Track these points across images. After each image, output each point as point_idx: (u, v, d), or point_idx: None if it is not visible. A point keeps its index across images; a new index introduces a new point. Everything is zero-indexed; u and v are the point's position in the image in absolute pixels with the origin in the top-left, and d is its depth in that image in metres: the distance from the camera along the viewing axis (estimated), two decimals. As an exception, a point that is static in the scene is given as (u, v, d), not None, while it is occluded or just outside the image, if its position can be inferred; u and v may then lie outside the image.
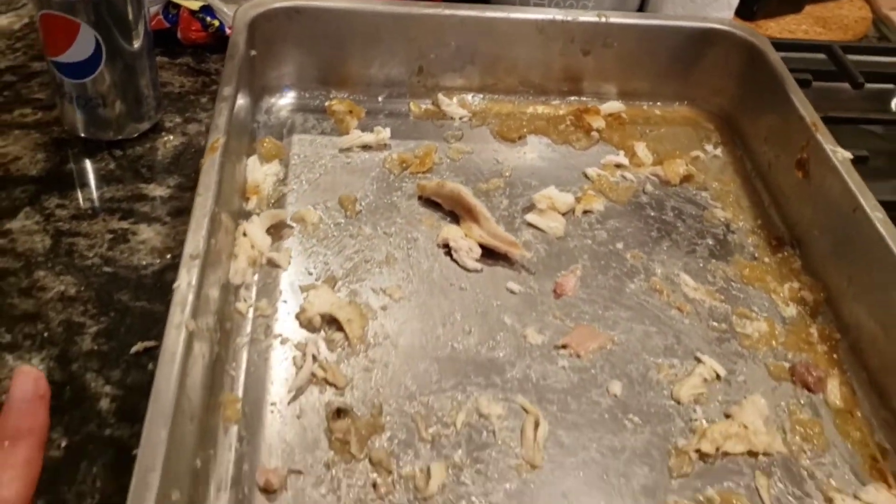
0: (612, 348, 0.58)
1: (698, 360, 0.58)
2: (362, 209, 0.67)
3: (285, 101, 0.76)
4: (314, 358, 0.55)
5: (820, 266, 0.64)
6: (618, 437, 0.53)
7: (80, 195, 0.73)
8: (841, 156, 0.63)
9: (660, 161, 0.74)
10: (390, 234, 0.65)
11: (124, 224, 0.71)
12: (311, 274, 0.61)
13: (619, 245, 0.67)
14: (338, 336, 0.57)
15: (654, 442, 0.53)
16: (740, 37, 0.76)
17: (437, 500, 0.48)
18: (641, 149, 0.75)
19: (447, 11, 0.75)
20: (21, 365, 0.57)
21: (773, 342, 0.60)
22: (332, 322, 0.58)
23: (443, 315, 0.59)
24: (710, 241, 0.68)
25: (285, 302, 0.59)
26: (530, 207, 0.69)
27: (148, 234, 0.70)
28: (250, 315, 0.57)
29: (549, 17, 0.76)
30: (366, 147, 0.72)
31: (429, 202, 0.68)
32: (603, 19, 0.76)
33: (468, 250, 0.63)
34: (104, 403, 0.57)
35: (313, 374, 0.54)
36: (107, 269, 0.67)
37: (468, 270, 0.63)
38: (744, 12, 1.06)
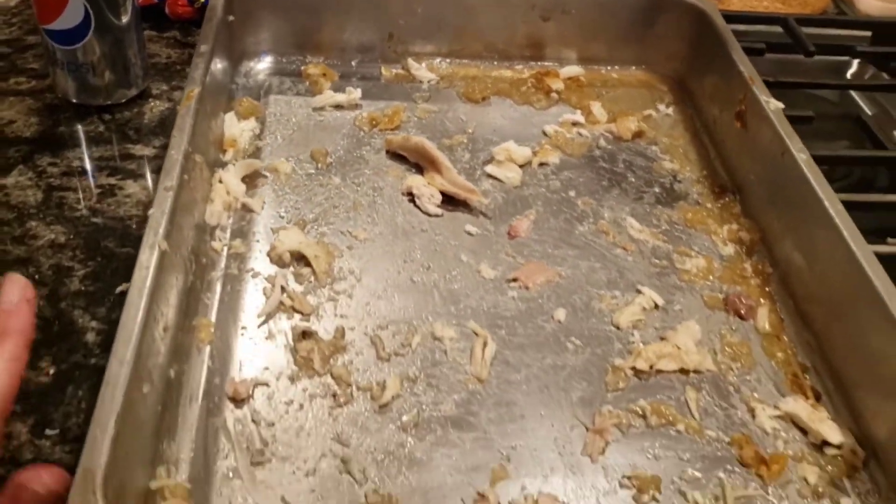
0: (559, 281, 0.63)
1: (639, 292, 0.63)
2: (333, 161, 0.72)
3: (263, 65, 0.81)
4: (283, 289, 0.59)
5: (757, 209, 0.69)
6: (559, 357, 0.58)
7: (70, 154, 0.78)
8: (773, 106, 0.68)
9: (614, 119, 0.79)
10: (358, 183, 0.70)
11: (112, 180, 0.76)
12: (282, 217, 0.66)
13: (572, 193, 0.72)
14: (305, 271, 0.62)
15: (593, 361, 0.58)
16: (689, 3, 0.81)
17: (392, 407, 0.53)
18: (597, 108, 0.80)
19: (414, -19, 0.80)
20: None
21: (710, 276, 0.65)
22: (300, 259, 0.62)
23: (404, 254, 0.64)
24: (658, 190, 0.73)
25: (258, 241, 0.64)
26: (490, 160, 0.74)
27: (134, 188, 0.75)
28: (224, 253, 0.62)
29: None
30: (338, 106, 0.77)
31: (395, 156, 0.73)
32: (561, -13, 0.81)
33: (430, 197, 0.68)
34: (90, 336, 0.62)
35: (281, 303, 0.59)
36: (94, 219, 0.72)
37: (429, 215, 0.68)
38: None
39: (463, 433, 0.52)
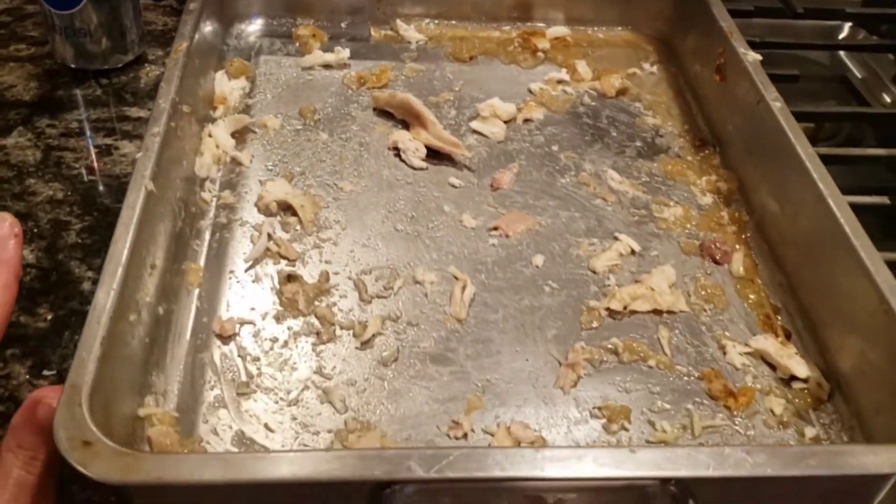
0: (539, 230, 0.65)
1: (616, 239, 0.64)
2: (320, 118, 0.74)
3: (253, 27, 0.83)
4: (269, 236, 0.61)
5: (735, 160, 0.71)
6: (536, 298, 0.60)
7: (68, 117, 0.80)
8: (751, 58, 0.69)
9: (598, 77, 0.80)
10: (345, 139, 0.72)
11: (108, 140, 0.78)
12: (270, 171, 0.68)
13: (555, 147, 0.73)
14: (292, 220, 0.64)
15: (569, 303, 0.59)
16: (674, -38, 0.83)
17: (373, 344, 0.55)
18: (582, 66, 0.81)
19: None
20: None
21: (688, 224, 0.66)
22: (287, 209, 0.64)
23: (389, 204, 0.66)
24: (639, 144, 0.74)
25: (246, 193, 0.66)
26: (475, 116, 0.75)
27: (129, 148, 0.77)
28: (214, 203, 0.64)
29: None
30: (327, 66, 0.79)
31: (382, 113, 0.75)
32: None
33: (415, 150, 0.70)
34: (86, 286, 0.64)
35: (268, 249, 0.61)
36: (91, 177, 0.74)
37: (414, 168, 0.70)
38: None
39: (441, 367, 0.54)
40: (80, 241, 0.68)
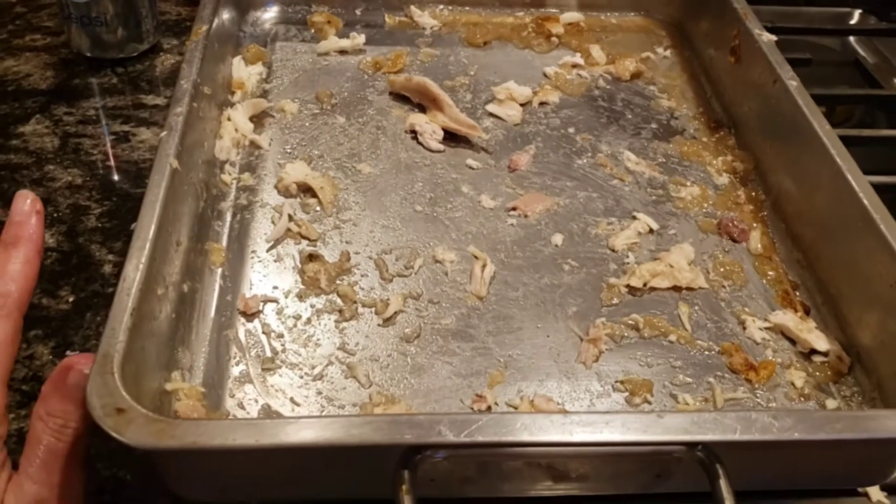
0: (557, 210, 0.65)
1: (634, 218, 0.65)
2: (337, 102, 0.74)
3: (269, 14, 0.83)
4: (290, 216, 0.62)
5: (751, 141, 0.71)
6: (556, 276, 0.60)
7: (85, 104, 0.81)
8: (766, 38, 0.69)
9: (613, 60, 0.81)
10: (362, 122, 0.72)
11: (125, 127, 0.78)
12: (288, 154, 0.68)
13: (571, 130, 0.74)
14: (312, 202, 0.64)
15: (589, 280, 0.60)
16: (683, -54, 0.83)
17: (396, 321, 0.56)
18: (596, 50, 0.81)
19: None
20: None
21: (705, 204, 0.67)
22: (306, 190, 0.65)
23: (407, 186, 0.66)
24: (655, 126, 0.75)
25: (266, 175, 0.66)
26: (491, 99, 0.76)
27: (146, 135, 0.77)
28: (234, 186, 0.65)
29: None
30: (342, 52, 0.80)
31: (398, 96, 0.76)
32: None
33: (432, 133, 0.70)
34: (107, 268, 0.65)
35: (289, 229, 0.61)
36: (109, 163, 0.75)
37: (432, 151, 0.70)
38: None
39: (463, 343, 0.54)
40: (99, 224, 0.68)
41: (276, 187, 0.65)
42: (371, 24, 0.84)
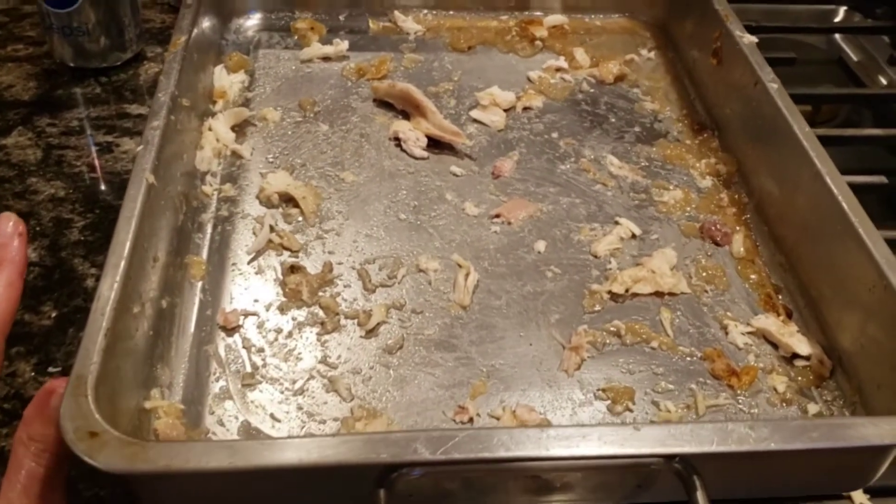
0: (540, 216, 0.65)
1: (616, 223, 0.65)
2: (320, 110, 0.74)
3: (252, 21, 0.83)
4: (272, 227, 0.62)
5: (734, 143, 0.71)
6: (539, 284, 0.60)
7: (68, 115, 0.81)
8: (747, 40, 0.69)
9: (596, 63, 0.80)
10: (345, 130, 0.72)
11: (109, 138, 0.78)
12: (271, 163, 0.68)
13: (555, 134, 0.73)
14: (294, 211, 0.64)
15: (571, 287, 0.60)
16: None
17: (378, 333, 0.55)
18: (580, 53, 0.81)
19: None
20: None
21: (688, 207, 0.67)
22: (288, 200, 0.65)
23: (391, 194, 0.66)
24: (638, 129, 0.75)
25: (248, 185, 0.66)
26: (475, 105, 0.75)
27: (130, 145, 0.77)
28: (215, 197, 0.65)
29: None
30: (325, 58, 0.79)
31: (382, 103, 0.75)
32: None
33: (416, 140, 0.70)
34: (90, 283, 0.64)
35: (270, 241, 0.61)
36: (93, 175, 0.74)
37: (416, 158, 0.70)
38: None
39: (446, 353, 0.54)
40: (82, 238, 0.68)
41: (257, 198, 0.65)
42: (355, 29, 0.84)
